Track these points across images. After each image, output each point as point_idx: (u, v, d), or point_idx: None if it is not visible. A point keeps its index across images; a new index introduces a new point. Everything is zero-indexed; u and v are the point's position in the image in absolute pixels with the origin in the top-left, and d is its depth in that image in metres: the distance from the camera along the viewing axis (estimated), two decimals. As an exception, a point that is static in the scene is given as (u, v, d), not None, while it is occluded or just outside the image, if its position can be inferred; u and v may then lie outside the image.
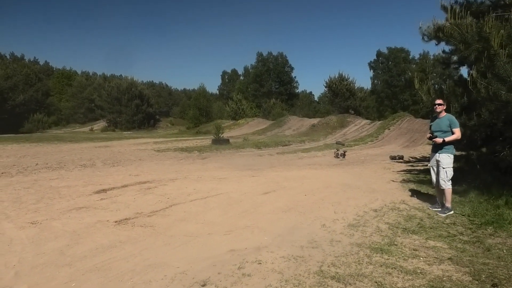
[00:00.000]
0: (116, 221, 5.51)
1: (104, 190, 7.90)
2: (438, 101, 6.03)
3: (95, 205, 6.56)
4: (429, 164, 6.42)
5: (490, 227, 5.12)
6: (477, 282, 3.41)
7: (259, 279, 3.49)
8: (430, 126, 6.22)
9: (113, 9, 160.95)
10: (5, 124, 36.43)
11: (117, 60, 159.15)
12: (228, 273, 3.63)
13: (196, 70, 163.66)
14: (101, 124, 53.90)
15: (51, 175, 10.05)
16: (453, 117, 5.96)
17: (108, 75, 70.95)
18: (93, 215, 5.90)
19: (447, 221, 5.53)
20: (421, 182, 8.69)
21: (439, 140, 5.88)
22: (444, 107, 6.02)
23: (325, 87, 49.81)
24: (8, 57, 72.45)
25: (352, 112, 41.46)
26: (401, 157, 14.83)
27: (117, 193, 7.61)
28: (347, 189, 7.98)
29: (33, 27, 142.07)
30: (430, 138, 6.10)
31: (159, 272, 3.66)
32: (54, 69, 79.01)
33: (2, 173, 10.29)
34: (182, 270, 3.70)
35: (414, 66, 53.05)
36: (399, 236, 4.81)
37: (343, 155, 15.63)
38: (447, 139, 5.82)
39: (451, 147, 5.91)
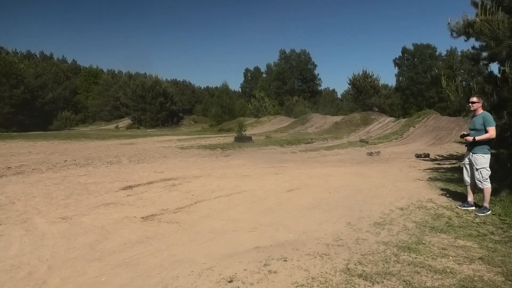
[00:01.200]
0: (142, 217, 5.61)
1: (130, 187, 8.05)
2: (473, 99, 5.86)
3: (122, 201, 6.70)
4: (462, 162, 6.27)
5: (522, 227, 4.97)
6: (510, 282, 3.32)
7: (285, 276, 3.49)
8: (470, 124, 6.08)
9: (138, 9, 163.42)
10: (34, 122, 37.66)
11: (142, 59, 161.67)
12: (254, 269, 3.65)
13: (219, 68, 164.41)
14: (126, 121, 54.92)
15: (79, 172, 10.31)
16: (489, 115, 5.75)
17: (133, 74, 71.97)
18: (120, 211, 6.03)
19: (477, 220, 5.40)
20: (448, 180, 8.50)
21: (469, 138, 5.73)
22: (479, 105, 5.84)
23: (349, 84, 49.18)
24: (38, 56, 74.62)
25: (376, 109, 40.80)
26: (427, 155, 14.53)
27: (143, 190, 7.75)
28: (372, 187, 7.88)
29: (61, 26, 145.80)
30: (462, 137, 5.96)
31: (186, 268, 3.71)
32: (81, 67, 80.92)
33: (33, 169, 10.63)
34: (208, 266, 3.74)
35: (440, 62, 51.85)
36: (427, 235, 4.72)
37: (378, 153, 15.57)
38: (478, 138, 5.66)
39: (485, 146, 5.73)
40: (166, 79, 66.55)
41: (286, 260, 3.88)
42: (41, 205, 6.43)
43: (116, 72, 78.43)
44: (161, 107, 51.01)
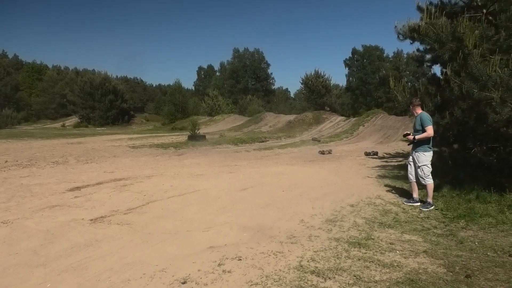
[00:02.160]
0: (91, 219, 5.40)
1: (78, 188, 7.72)
2: (411, 100, 6.29)
3: (69, 203, 6.40)
4: (407, 160, 6.59)
5: (462, 221, 5.29)
6: (451, 273, 3.51)
7: (239, 275, 3.49)
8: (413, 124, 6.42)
9: (87, 1, 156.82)
10: (-29, 120, 35.12)
11: (90, 55, 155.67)
12: (208, 270, 3.62)
13: (172, 65, 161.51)
14: (74, 120, 52.51)
15: (21, 173, 9.74)
16: (425, 115, 6.11)
17: (81, 70, 69.12)
18: (67, 213, 5.76)
19: (421, 215, 5.68)
20: (395, 177, 8.87)
21: (410, 137, 6.11)
22: (418, 106, 6.20)
23: (301, 83, 50.08)
24: (-26, 50, 69.68)
25: (328, 108, 41.84)
26: (376, 153, 15.09)
27: (92, 191, 7.45)
28: (324, 185, 8.07)
29: (2, 19, 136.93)
30: (404, 136, 6.28)
31: (137, 271, 3.60)
32: (24, 62, 76.53)
33: (-31, 170, 9.91)
34: (161, 268, 3.65)
35: (388, 64, 54.10)
36: (376, 231, 4.90)
37: (329, 152, 15.93)
38: (417, 137, 6.01)
39: (426, 145, 6.07)
40: (116, 76, 64.49)
41: (240, 259, 3.87)
42: (-21, 209, 6.01)
43: (62, 68, 74.96)
44: (111, 105, 49.26)
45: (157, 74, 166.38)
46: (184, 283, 3.33)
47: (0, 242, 4.45)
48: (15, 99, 55.21)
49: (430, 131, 5.98)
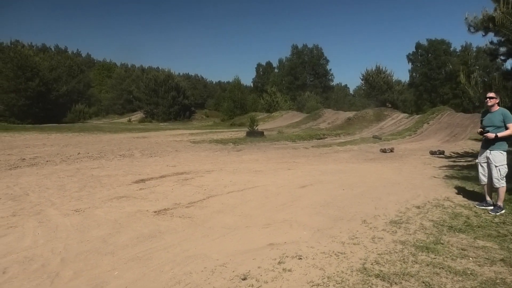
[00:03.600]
0: (155, 211, 5.59)
1: (143, 180, 8.04)
2: (490, 94, 5.67)
3: (135, 195, 6.68)
4: (477, 160, 6.08)
5: (543, 228, 4.82)
6: (533, 286, 3.20)
7: (300, 275, 3.42)
8: (481, 120, 5.88)
9: (152, 4, 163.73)
10: (49, 114, 38.02)
11: (155, 53, 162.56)
12: (268, 267, 3.58)
13: (231, 62, 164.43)
14: (139, 115, 55.26)
15: (92, 164, 10.36)
16: (507, 111, 5.57)
17: (146, 68, 72.32)
18: (133, 204, 6.01)
19: (496, 220, 5.24)
20: (465, 178, 8.32)
21: (491, 135, 5.55)
22: (497, 101, 5.67)
23: (362, 79, 48.96)
24: (52, 49, 75.39)
25: (389, 105, 40.43)
26: (442, 152, 14.28)
27: (156, 184, 7.73)
28: (387, 184, 7.75)
29: (76, 20, 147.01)
30: (481, 133, 5.76)
31: (199, 264, 3.66)
32: (95, 61, 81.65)
33: (47, 161, 10.71)
34: (221, 263, 3.68)
35: (455, 58, 50.99)
36: (445, 235, 4.59)
37: (391, 150, 15.36)
38: (500, 134, 5.48)
39: (504, 143, 5.57)
40: (179, 73, 66.91)
41: (301, 258, 3.80)
42: (55, 197, 6.46)
43: (129, 66, 78.92)
44: (173, 101, 51.19)
45: (217, 71, 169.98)
46: (244, 279, 3.33)
47: (73, 229, 4.73)
48: (87, 95, 58.93)
49: None
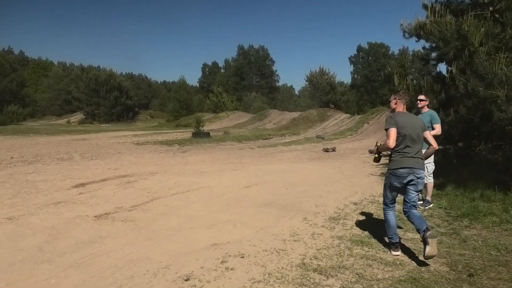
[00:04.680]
0: (96, 216, 5.43)
1: (82, 184, 7.77)
2: (420, 97, 6.14)
3: (74, 200, 6.45)
4: None
5: (465, 219, 5.27)
6: (454, 272, 3.51)
7: (242, 273, 3.50)
8: None
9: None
10: (-23, 116, 35.38)
11: (95, 51, 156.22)
12: (211, 267, 3.64)
13: (176, 62, 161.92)
14: (79, 116, 52.85)
15: (27, 169, 9.82)
16: (435, 113, 6.05)
17: (86, 67, 69.32)
18: (72, 210, 5.80)
19: (425, 213, 5.66)
20: (399, 175, 8.84)
21: None
22: (427, 103, 6.13)
23: (306, 81, 50.10)
24: (-20, 46, 70.04)
25: (332, 106, 41.81)
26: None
27: (96, 187, 7.50)
28: (328, 183, 8.07)
29: (6, 15, 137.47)
30: None
31: (141, 267, 3.63)
32: (30, 59, 76.89)
33: (-24, 166, 9.99)
34: (164, 265, 3.68)
35: (393, 61, 53.83)
36: (379, 229, 4.89)
37: (333, 149, 15.92)
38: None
39: None
40: (121, 73, 64.73)
41: (243, 257, 3.89)
42: (-15, 205, 6.07)
43: (68, 64, 75.21)
44: (115, 102, 49.53)
45: (162, 70, 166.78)
46: (187, 280, 3.36)
47: (5, 238, 4.49)
48: (21, 95, 55.48)
49: (439, 129, 5.94)
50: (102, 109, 49.14)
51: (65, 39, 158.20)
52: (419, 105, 6.14)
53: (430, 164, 5.99)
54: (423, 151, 4.26)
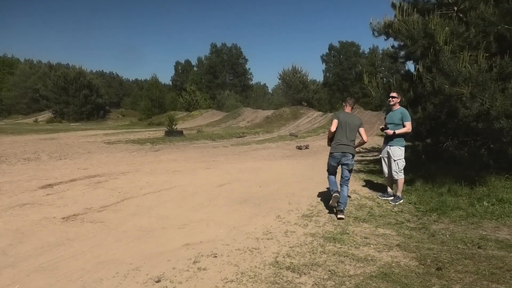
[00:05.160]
0: (63, 218, 5.26)
1: (50, 185, 7.51)
2: (393, 94, 6.26)
3: (41, 201, 6.23)
4: (380, 155, 6.64)
5: (434, 214, 5.41)
6: (423, 266, 3.59)
7: (214, 273, 3.47)
8: (385, 118, 6.44)
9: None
10: None
11: (64, 48, 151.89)
12: (183, 267, 3.58)
13: (148, 60, 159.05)
14: (47, 115, 51.16)
15: (-10, 170, 9.42)
16: (406, 111, 6.18)
17: (54, 64, 67.26)
18: (38, 211, 5.60)
19: (395, 209, 5.78)
20: (370, 172, 9.00)
21: (390, 132, 6.10)
22: (398, 100, 6.25)
23: (279, 79, 50.39)
24: None
25: (305, 104, 42.24)
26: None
27: (65, 188, 7.27)
28: (301, 180, 8.12)
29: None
30: (382, 130, 6.31)
31: (110, 270, 3.53)
32: (-6, 56, 73.87)
33: None
34: (135, 267, 3.60)
35: (364, 60, 54.84)
36: (351, 225, 4.96)
37: (307, 147, 16.03)
38: (397, 131, 6.05)
39: (402, 139, 6.15)
40: (91, 71, 63.07)
41: (216, 256, 3.85)
42: None
43: (35, 62, 72.75)
44: (85, 100, 48.24)
45: (133, 68, 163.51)
46: (158, 281, 3.29)
47: (-34, 242, 4.29)
48: (-16, 93, 53.35)
49: (410, 126, 6.08)
50: (71, 108, 47.80)
51: (32, 36, 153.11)
52: (391, 102, 6.25)
53: (401, 161, 6.11)
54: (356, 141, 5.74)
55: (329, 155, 5.78)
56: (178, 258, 3.81)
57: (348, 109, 5.93)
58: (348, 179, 5.69)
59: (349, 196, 6.05)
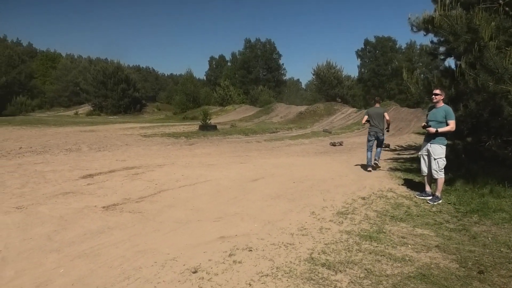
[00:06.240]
0: (104, 207, 5.45)
1: (90, 175, 7.80)
2: (436, 91, 6.04)
3: (82, 190, 6.48)
4: (419, 153, 6.45)
5: (475, 215, 5.22)
6: (463, 269, 3.48)
7: (250, 266, 3.49)
8: (427, 115, 6.25)
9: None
10: (-14, 107, 35.66)
11: (103, 44, 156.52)
12: (219, 260, 3.63)
13: (184, 55, 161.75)
14: (86, 108, 53.05)
15: (35, 159, 9.88)
16: (450, 109, 5.96)
17: (94, 59, 69.45)
18: (80, 200, 5.83)
19: (434, 209, 5.61)
20: (408, 170, 8.79)
21: (432, 130, 5.91)
22: (442, 97, 6.04)
23: (313, 74, 49.86)
24: (-11, 37, 70.30)
25: (339, 100, 41.59)
26: (387, 146, 14.94)
27: (104, 178, 7.53)
28: (336, 177, 8.03)
29: (15, 7, 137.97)
30: (424, 127, 6.13)
31: (149, 259, 3.63)
32: (38, 51, 77.11)
33: (-15, 156, 10.07)
34: (172, 257, 3.68)
35: (400, 55, 53.36)
36: (387, 224, 4.86)
37: (341, 143, 15.85)
38: (440, 130, 5.85)
39: (444, 138, 5.95)
40: (129, 65, 64.81)
41: (251, 250, 3.88)
42: (-6, 194, 6.11)
43: (76, 56, 75.43)
44: (123, 94, 49.57)
45: (169, 63, 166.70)
46: (195, 272, 3.35)
47: (14, 227, 4.52)
48: (29, 86, 55.67)
49: (453, 125, 5.86)
50: (109, 101, 49.25)
51: (73, 32, 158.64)
52: (434, 100, 6.05)
53: (441, 160, 5.91)
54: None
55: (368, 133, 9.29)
56: (213, 250, 3.86)
57: (376, 105, 9.50)
58: (381, 144, 9.30)
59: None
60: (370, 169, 8.77)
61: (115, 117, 43.81)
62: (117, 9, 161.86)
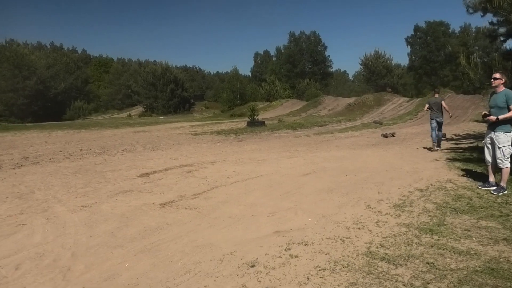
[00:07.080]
0: (161, 204, 5.65)
1: (146, 174, 8.10)
2: (495, 75, 5.66)
3: (140, 189, 6.74)
4: (483, 141, 6.10)
5: (545, 207, 4.86)
6: (536, 263, 3.25)
7: (307, 260, 3.48)
8: (488, 101, 5.89)
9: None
10: (48, 112, 38.10)
11: (151, 46, 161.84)
12: (275, 254, 3.64)
13: (228, 52, 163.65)
14: (138, 109, 55.27)
15: (95, 160, 10.42)
16: (511, 93, 5.57)
17: (143, 61, 72.08)
18: (138, 198, 6.07)
19: (499, 200, 5.29)
20: (467, 160, 8.35)
21: (492, 118, 5.56)
22: (502, 81, 5.64)
23: (361, 65, 48.76)
24: (48, 46, 75.01)
25: (389, 90, 40.35)
26: (444, 135, 14.25)
27: (160, 177, 7.79)
28: (390, 169, 7.80)
29: (70, 16, 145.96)
30: (484, 117, 5.77)
31: (207, 253, 3.72)
32: (92, 57, 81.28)
33: (50, 159, 10.77)
34: (229, 251, 3.74)
35: (454, 40, 50.66)
36: (448, 216, 4.65)
37: (393, 134, 15.38)
38: (501, 117, 5.48)
39: (509, 125, 5.55)
40: (176, 66, 66.62)
41: (307, 244, 3.86)
42: (61, 193, 6.52)
43: (126, 60, 78.63)
44: (172, 94, 51.08)
45: (214, 62, 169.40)
46: (252, 266, 3.39)
47: (81, 224, 4.80)
48: (86, 91, 58.85)
49: None
50: (160, 102, 50.92)
51: (123, 37, 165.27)
52: (493, 84, 5.67)
53: (506, 148, 5.53)
54: None
55: (430, 119, 10.92)
56: (269, 245, 3.88)
57: (436, 95, 11.16)
58: (441, 127, 10.79)
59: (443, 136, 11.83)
60: (436, 148, 10.41)
61: (165, 117, 45.20)
62: (162, 13, 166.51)
